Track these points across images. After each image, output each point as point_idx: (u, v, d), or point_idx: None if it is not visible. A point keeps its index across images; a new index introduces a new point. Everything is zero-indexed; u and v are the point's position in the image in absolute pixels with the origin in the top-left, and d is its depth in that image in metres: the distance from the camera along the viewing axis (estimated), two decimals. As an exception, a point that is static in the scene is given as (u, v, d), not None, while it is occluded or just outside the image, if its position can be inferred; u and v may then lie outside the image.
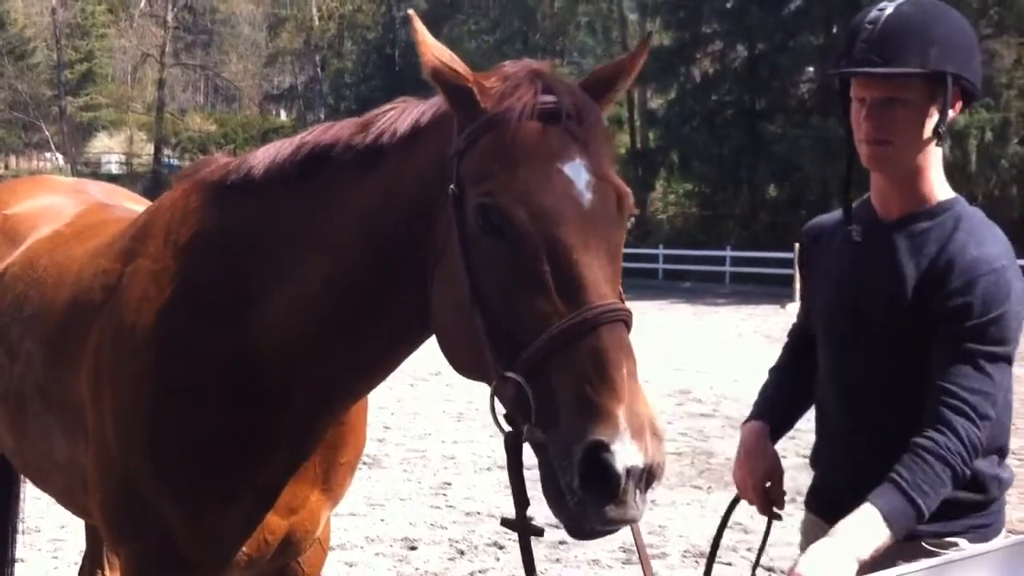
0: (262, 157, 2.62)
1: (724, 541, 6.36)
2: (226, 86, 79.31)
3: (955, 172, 29.99)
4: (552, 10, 50.41)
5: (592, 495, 1.87)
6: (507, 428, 2.07)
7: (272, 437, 2.58)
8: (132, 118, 72.52)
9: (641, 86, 45.50)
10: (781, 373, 3.00)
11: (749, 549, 6.27)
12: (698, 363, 15.00)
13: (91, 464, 2.76)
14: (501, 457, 7.12)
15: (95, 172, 69.69)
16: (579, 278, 1.98)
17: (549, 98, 2.12)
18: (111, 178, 70.49)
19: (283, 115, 76.71)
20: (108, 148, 73.14)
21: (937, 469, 2.26)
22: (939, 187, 2.66)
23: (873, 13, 2.43)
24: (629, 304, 2.07)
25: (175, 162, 73.35)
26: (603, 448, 1.83)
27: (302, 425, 2.62)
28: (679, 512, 7.19)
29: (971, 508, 2.50)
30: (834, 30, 36.99)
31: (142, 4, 70.91)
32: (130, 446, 2.61)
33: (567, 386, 1.92)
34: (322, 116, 61.97)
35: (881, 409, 2.48)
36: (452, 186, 2.14)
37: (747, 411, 9.28)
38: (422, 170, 2.29)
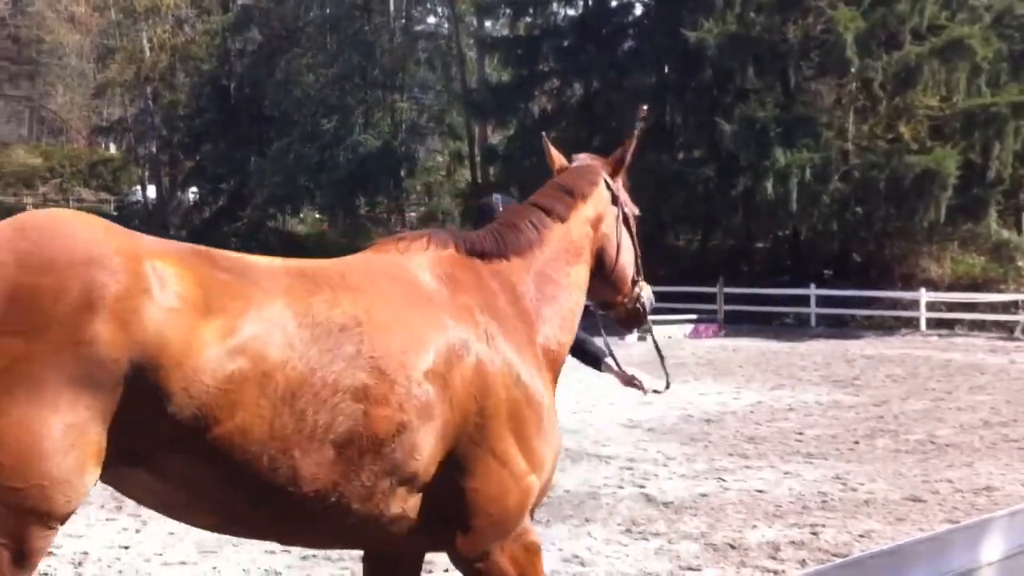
0: (516, 227, 4.00)
1: (562, 575, 6.40)
2: (52, 118, 76.47)
3: (778, 209, 31.27)
4: (391, 45, 50.46)
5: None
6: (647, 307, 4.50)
7: None
8: (-50, 151, 69.08)
9: (481, 122, 45.97)
10: None
11: (586, 582, 6.32)
12: (538, 396, 15.09)
13: (502, 493, 3.37)
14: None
15: (-92, 207, 66.12)
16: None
17: None
18: (-74, 213, 66.82)
19: (112, 148, 74.41)
20: (-76, 182, 69.48)
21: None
22: None
23: (492, 200, 5.01)
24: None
25: (-3, 197, 70.23)
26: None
27: None
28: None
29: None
30: (665, 70, 38.18)
31: (-38, 33, 67.86)
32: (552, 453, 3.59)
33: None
34: (154, 149, 60.41)
35: None
36: (620, 209, 4.33)
37: (587, 444, 9.39)
38: (602, 209, 4.28)
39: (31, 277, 2.72)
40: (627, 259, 4.32)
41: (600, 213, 4.19)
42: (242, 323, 2.97)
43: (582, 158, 4.45)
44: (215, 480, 2.98)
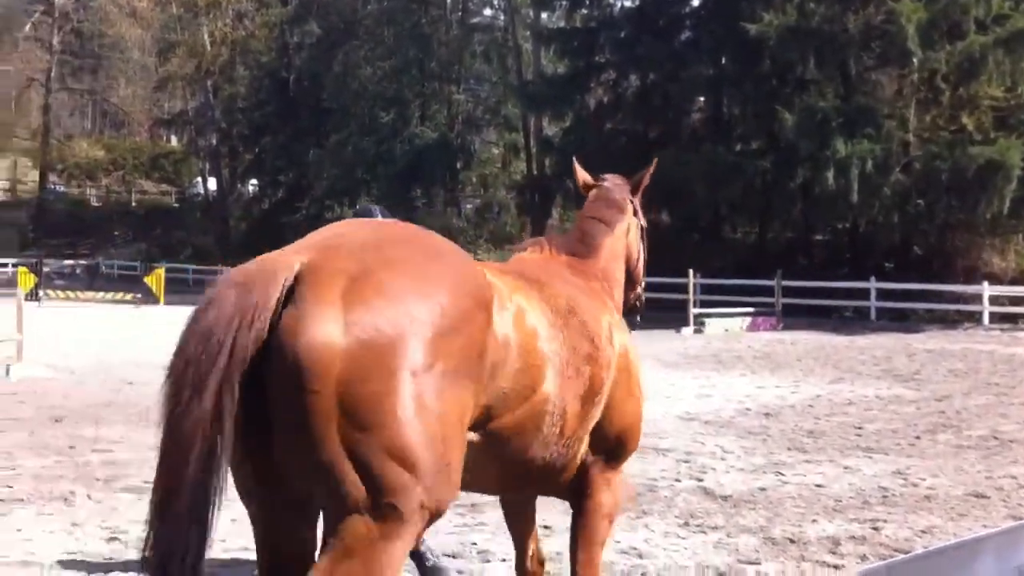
0: (592, 233, 4.98)
1: (618, 566, 6.42)
2: (115, 111, 77.62)
3: (838, 201, 30.89)
4: (447, 38, 50.57)
5: None
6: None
7: None
8: (16, 144, 70.37)
9: (537, 114, 45.90)
10: None
11: (643, 574, 6.32)
12: (594, 388, 15.07)
13: (634, 418, 4.32)
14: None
15: (-24, 199, 67.49)
16: None
17: None
18: (-6, 205, 68.33)
19: (174, 140, 75.27)
20: (-9, 175, 70.88)
21: None
22: None
23: (369, 208, 6.16)
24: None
25: (61, 188, 71.37)
26: None
27: None
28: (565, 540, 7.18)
29: None
30: (723, 60, 37.87)
31: (27, 28, 69.07)
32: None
33: None
34: (214, 141, 61.07)
35: None
36: (639, 222, 5.30)
37: (644, 437, 9.29)
38: (630, 221, 5.23)
39: (463, 296, 3.28)
40: (641, 264, 5.38)
41: (629, 224, 5.19)
42: (538, 317, 3.77)
43: (611, 178, 5.33)
44: (523, 439, 3.70)
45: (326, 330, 2.92)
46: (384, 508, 2.98)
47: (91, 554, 6.53)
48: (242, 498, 3.30)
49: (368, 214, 5.96)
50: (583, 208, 5.18)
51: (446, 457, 3.10)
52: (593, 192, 5.22)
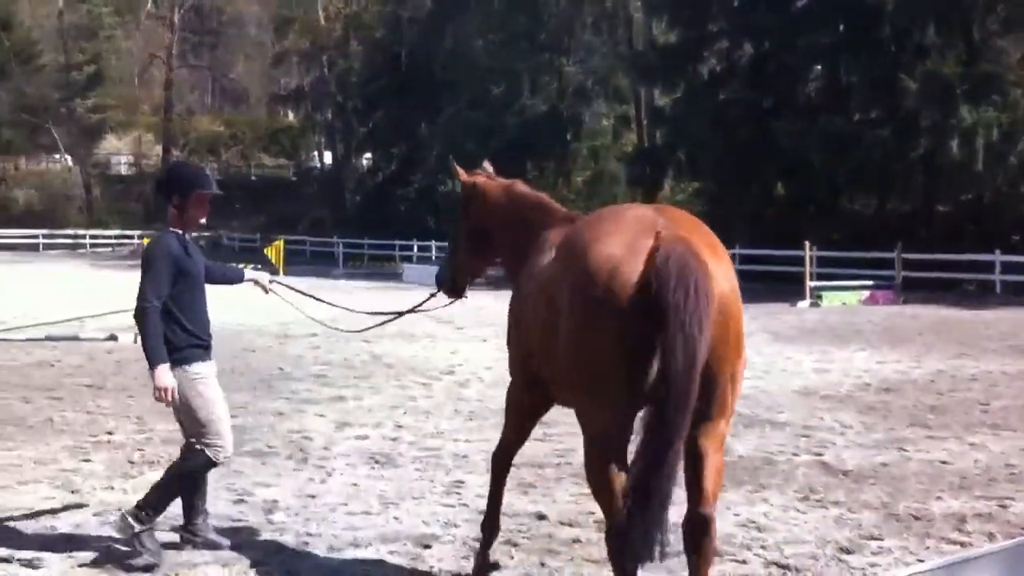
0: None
1: (737, 539, 6.35)
2: (233, 87, 79.30)
3: (961, 171, 29.91)
4: (558, 8, 50.27)
5: None
6: None
7: None
8: (140, 119, 72.45)
9: (648, 85, 45.40)
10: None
11: (763, 547, 6.26)
12: (708, 361, 14.90)
13: None
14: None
15: (104, 173, 69.86)
16: None
17: None
18: (120, 179, 70.63)
19: (291, 115, 76.57)
20: (117, 149, 73.19)
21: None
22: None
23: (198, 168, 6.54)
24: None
25: (183, 163, 73.28)
26: None
27: None
28: (683, 510, 7.14)
29: None
30: (840, 28, 36.88)
31: (148, 5, 70.97)
32: None
33: None
34: (329, 116, 61.96)
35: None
36: None
37: (760, 410, 9.22)
38: None
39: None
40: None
41: None
42: None
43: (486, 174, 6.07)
44: None
45: (726, 283, 4.16)
46: (733, 413, 4.34)
47: (218, 516, 6.72)
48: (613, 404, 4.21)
49: (201, 172, 6.15)
50: (520, 193, 5.68)
51: None
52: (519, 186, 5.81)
